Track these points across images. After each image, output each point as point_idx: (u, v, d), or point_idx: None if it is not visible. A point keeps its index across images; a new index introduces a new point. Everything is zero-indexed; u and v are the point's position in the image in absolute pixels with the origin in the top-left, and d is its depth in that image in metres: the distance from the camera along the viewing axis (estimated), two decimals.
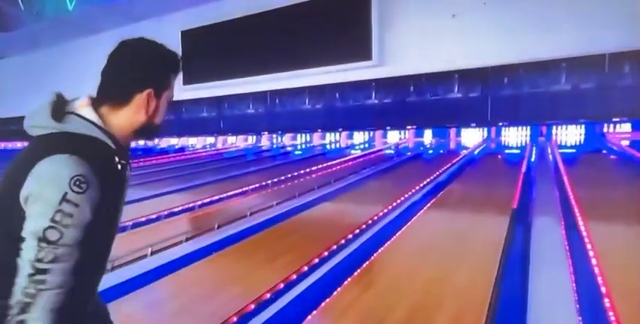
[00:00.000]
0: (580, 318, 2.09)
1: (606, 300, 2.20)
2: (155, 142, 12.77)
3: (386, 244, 3.34)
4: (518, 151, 8.39)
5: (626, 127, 8.14)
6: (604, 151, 7.65)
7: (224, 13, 9.55)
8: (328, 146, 11.37)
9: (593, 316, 2.15)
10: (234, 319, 2.26)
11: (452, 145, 9.66)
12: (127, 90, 1.04)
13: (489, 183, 5.70)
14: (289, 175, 6.63)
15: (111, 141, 1.02)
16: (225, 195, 5.49)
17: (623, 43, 6.01)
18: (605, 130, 8.31)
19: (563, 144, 8.49)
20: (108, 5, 10.46)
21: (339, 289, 2.57)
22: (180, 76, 1.17)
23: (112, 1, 10.31)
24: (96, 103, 1.04)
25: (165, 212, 4.60)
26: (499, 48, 6.89)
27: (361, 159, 8.52)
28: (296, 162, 8.63)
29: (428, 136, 10.36)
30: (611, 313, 2.07)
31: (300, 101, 9.40)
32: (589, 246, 2.94)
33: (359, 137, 11.28)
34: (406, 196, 4.92)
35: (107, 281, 2.40)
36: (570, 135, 8.60)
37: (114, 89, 1.05)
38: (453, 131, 9.74)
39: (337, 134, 11.34)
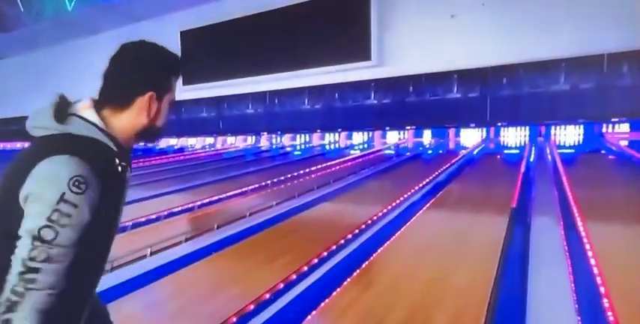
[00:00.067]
0: (579, 318, 2.09)
1: (605, 300, 2.21)
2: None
3: (385, 245, 3.34)
4: (517, 152, 8.40)
5: (625, 127, 8.17)
6: (603, 152, 7.67)
7: (224, 13, 9.53)
8: (327, 146, 11.38)
9: (592, 316, 2.15)
10: (234, 319, 2.26)
11: (451, 146, 9.67)
12: (128, 93, 1.04)
13: (488, 183, 5.71)
14: (288, 176, 6.63)
15: (112, 143, 1.02)
16: (224, 195, 5.49)
17: (622, 44, 6.02)
18: (603, 130, 8.33)
19: (562, 144, 8.51)
20: (107, 5, 10.44)
21: (338, 289, 2.58)
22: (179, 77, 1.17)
23: (112, 1, 10.29)
24: (98, 105, 1.04)
25: (165, 212, 4.60)
26: (498, 48, 6.89)
27: (360, 159, 8.53)
28: (295, 162, 8.64)
29: (427, 137, 10.38)
30: (610, 313, 2.08)
31: (299, 101, 9.39)
32: (588, 246, 2.95)
33: (358, 137, 11.29)
34: (405, 196, 4.93)
35: (107, 281, 2.42)
36: (569, 135, 8.62)
37: (115, 92, 1.05)
38: (452, 131, 9.76)
39: (336, 134, 11.34)
